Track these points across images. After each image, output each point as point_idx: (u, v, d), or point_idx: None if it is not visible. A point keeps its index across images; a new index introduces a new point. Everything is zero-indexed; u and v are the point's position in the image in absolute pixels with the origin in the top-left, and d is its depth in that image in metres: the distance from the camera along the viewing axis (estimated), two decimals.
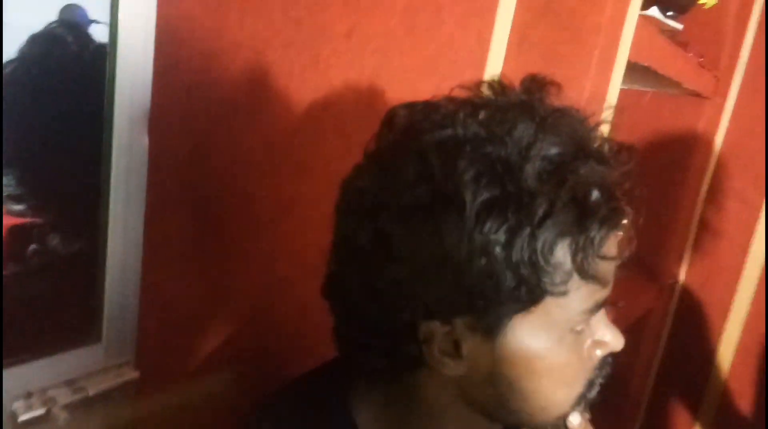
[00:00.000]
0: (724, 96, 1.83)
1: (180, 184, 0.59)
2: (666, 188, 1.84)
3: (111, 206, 0.51)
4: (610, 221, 0.42)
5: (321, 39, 0.69)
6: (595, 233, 0.41)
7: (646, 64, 1.17)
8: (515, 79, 1.06)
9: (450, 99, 0.49)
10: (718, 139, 1.93)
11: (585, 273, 0.42)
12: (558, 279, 0.42)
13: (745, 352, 1.96)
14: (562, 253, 0.42)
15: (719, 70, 1.76)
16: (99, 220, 0.51)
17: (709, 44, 1.69)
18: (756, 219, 1.92)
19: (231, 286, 0.70)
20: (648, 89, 1.74)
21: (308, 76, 0.70)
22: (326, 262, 0.50)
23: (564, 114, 0.46)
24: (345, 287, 0.47)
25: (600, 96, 1.05)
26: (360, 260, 0.45)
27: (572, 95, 1.04)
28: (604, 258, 0.43)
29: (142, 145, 0.52)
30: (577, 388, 0.47)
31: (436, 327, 0.44)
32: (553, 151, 0.42)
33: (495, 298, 0.41)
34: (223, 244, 0.68)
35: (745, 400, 1.99)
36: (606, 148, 0.45)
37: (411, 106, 0.50)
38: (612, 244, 0.45)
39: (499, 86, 0.49)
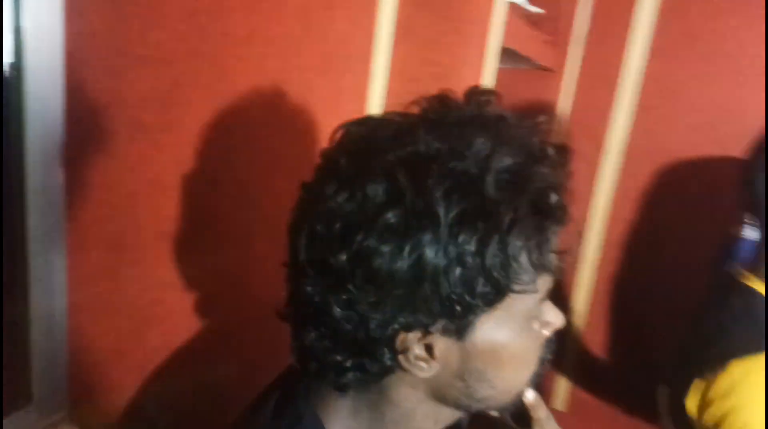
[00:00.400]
0: (561, 72, 2.04)
1: (97, 218, 0.54)
2: None
3: (31, 263, 0.46)
4: (561, 219, 0.47)
5: (224, 45, 0.67)
6: (551, 232, 0.46)
7: (512, 48, 1.27)
8: (405, 69, 1.09)
9: (400, 115, 0.50)
10: (566, 109, 2.15)
11: (543, 268, 0.47)
12: (523, 278, 0.46)
13: (598, 296, 2.25)
14: (526, 253, 0.46)
15: (562, 45, 1.95)
16: (18, 280, 0.46)
17: (558, 21, 1.87)
18: (594, 174, 2.18)
19: (156, 315, 0.66)
20: (505, 66, 1.88)
21: (215, 86, 0.67)
22: (286, 285, 0.50)
23: (511, 124, 0.49)
24: (319, 309, 0.47)
25: (477, 80, 1.12)
26: (338, 283, 0.46)
27: (455, 83, 1.10)
28: (556, 252, 0.48)
29: (57, 183, 0.47)
30: (532, 367, 0.52)
31: (414, 337, 0.47)
32: (509, 161, 0.45)
33: (470, 302, 0.45)
34: (143, 272, 0.64)
35: (599, 339, 2.29)
36: (549, 151, 0.50)
37: (363, 123, 0.50)
38: (558, 237, 0.50)
39: (447, 100, 0.51)
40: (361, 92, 1.02)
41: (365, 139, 0.50)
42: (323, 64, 0.89)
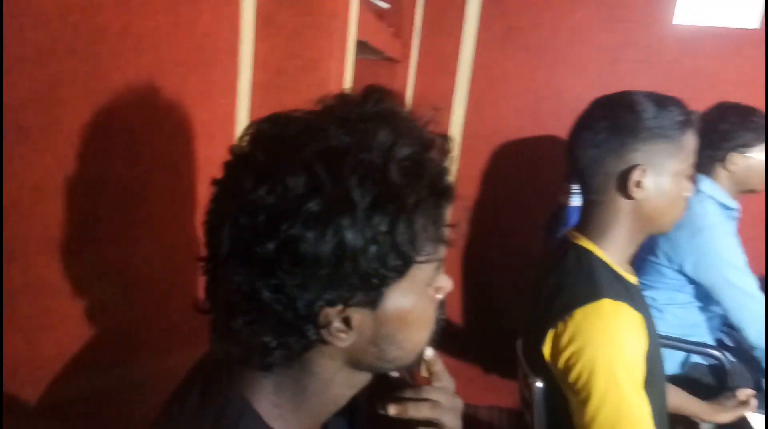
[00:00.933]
0: (407, 63, 2.17)
1: None
2: None
3: None
4: (451, 197, 0.54)
5: (99, 42, 0.64)
6: (445, 209, 0.53)
7: (365, 40, 1.33)
8: (271, 62, 1.11)
9: (309, 113, 0.53)
10: (409, 95, 2.29)
11: (440, 240, 0.54)
12: (426, 249, 0.52)
13: (452, 269, 2.44)
14: (427, 229, 0.52)
15: (405, 37, 2.07)
16: None
17: (401, 15, 1.98)
18: None
19: (49, 323, 0.62)
20: (358, 57, 1.96)
21: (92, 84, 0.64)
22: (205, 275, 0.51)
23: (404, 117, 0.55)
24: (247, 296, 0.49)
25: (340, 72, 1.17)
26: (266, 270, 0.48)
27: (321, 74, 1.15)
28: (449, 225, 0.55)
29: None
30: (431, 327, 0.59)
31: (334, 311, 0.51)
32: (408, 151, 0.51)
33: (384, 274, 0.50)
34: (34, 280, 0.60)
35: (455, 304, 2.49)
36: (437, 139, 0.56)
37: (273, 121, 0.53)
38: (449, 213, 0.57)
39: (347, 98, 0.55)
40: (230, 85, 1.02)
41: (279, 135, 0.52)
42: (193, 58, 0.88)
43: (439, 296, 0.61)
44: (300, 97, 1.06)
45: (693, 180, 1.66)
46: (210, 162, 0.94)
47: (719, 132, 1.65)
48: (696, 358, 1.73)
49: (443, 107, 2.32)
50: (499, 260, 2.38)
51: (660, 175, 1.03)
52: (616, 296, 0.99)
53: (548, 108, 2.25)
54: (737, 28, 2.07)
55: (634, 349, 0.97)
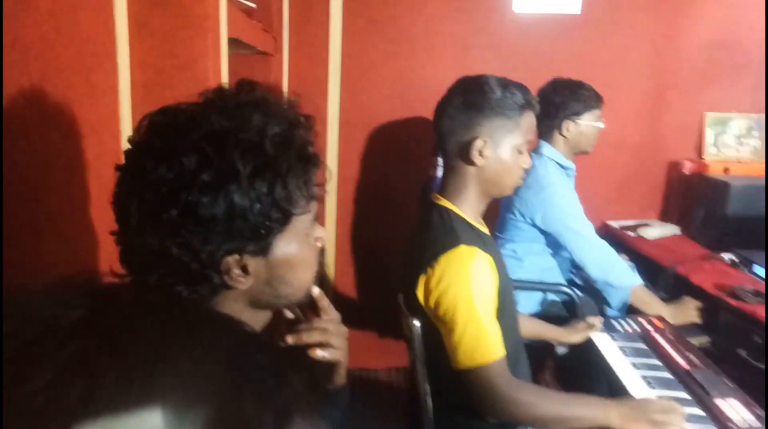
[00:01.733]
0: (281, 56, 2.29)
1: None
2: None
3: None
4: (317, 163, 0.69)
5: None
6: (313, 172, 0.68)
7: (237, 38, 1.44)
8: (148, 63, 1.20)
9: (192, 104, 0.65)
10: (284, 86, 2.40)
11: (311, 196, 0.69)
12: (300, 204, 0.67)
13: (341, 247, 2.61)
14: (299, 188, 0.66)
15: (276, 32, 2.18)
16: None
17: (270, 12, 2.08)
18: (325, 143, 2.50)
19: None
20: (233, 52, 2.04)
21: None
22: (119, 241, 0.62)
23: (273, 102, 0.68)
24: (159, 255, 0.61)
25: (217, 68, 1.27)
26: (173, 231, 0.60)
27: (199, 72, 1.24)
28: (318, 185, 0.70)
29: None
30: (315, 268, 0.74)
31: (233, 260, 0.64)
32: (277, 129, 0.65)
33: (269, 226, 0.64)
34: None
35: (349, 272, 2.66)
36: (301, 118, 0.70)
37: (164, 113, 0.64)
38: (317, 176, 0.72)
39: (224, 91, 0.68)
40: (112, 85, 1.09)
41: (170, 124, 0.64)
42: (76, 63, 0.94)
43: (319, 244, 0.76)
44: (180, 94, 1.15)
45: (534, 150, 1.95)
46: (98, 157, 1.02)
47: (554, 104, 1.95)
48: (553, 297, 2.03)
49: (319, 96, 2.46)
50: (384, 233, 2.56)
51: (499, 147, 1.25)
52: (470, 242, 1.20)
53: (414, 92, 2.47)
54: (564, 14, 2.41)
55: (487, 284, 1.18)
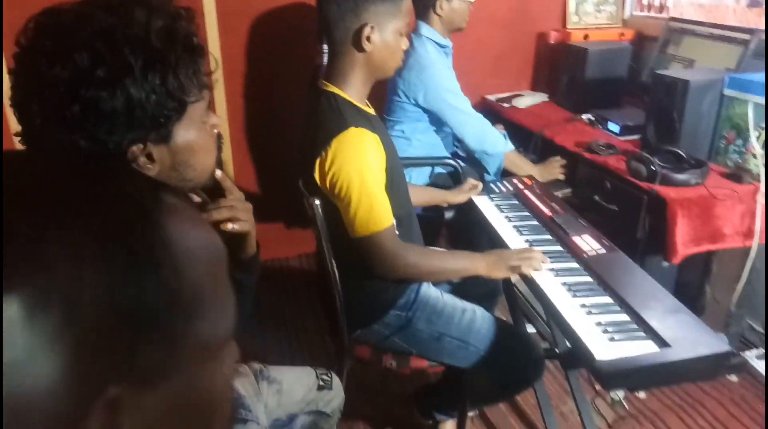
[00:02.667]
0: None
1: None
2: None
3: None
4: (203, 52, 0.74)
5: None
6: (200, 62, 0.73)
7: None
8: None
9: (75, 4, 0.67)
10: None
11: (202, 84, 0.75)
12: (193, 92, 0.73)
13: (236, 145, 2.61)
14: (189, 77, 0.72)
15: None
16: None
17: None
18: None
19: None
20: None
21: None
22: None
23: None
24: (69, 148, 0.66)
25: None
26: (78, 126, 0.65)
27: None
28: (207, 74, 0.76)
29: None
30: (215, 153, 0.82)
31: (138, 149, 0.71)
32: (161, 23, 0.69)
33: (167, 114, 0.70)
34: None
35: (248, 170, 2.69)
36: (182, 11, 0.74)
37: (48, 13, 0.66)
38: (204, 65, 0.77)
39: None
40: None
41: (57, 23, 0.65)
42: None
43: (215, 131, 0.83)
44: None
45: (413, 31, 2.02)
46: None
47: None
48: (440, 169, 2.23)
49: None
50: (277, 124, 2.59)
51: (384, 31, 1.32)
52: (359, 124, 1.30)
53: None
54: None
55: (376, 161, 1.31)
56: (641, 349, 1.11)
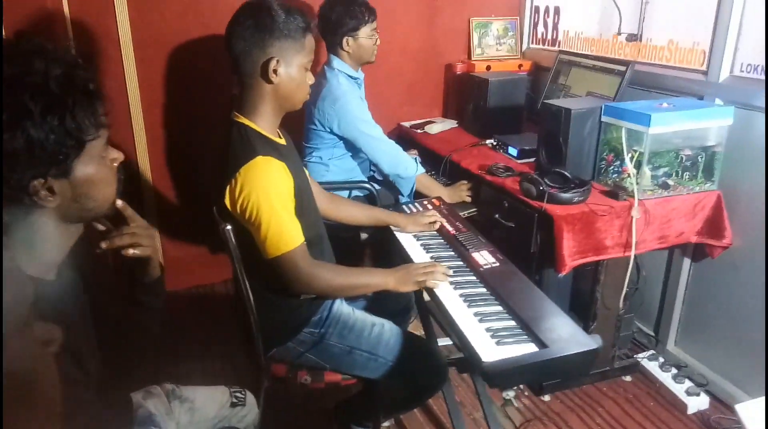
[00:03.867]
0: None
1: None
2: None
3: None
4: (101, 95, 0.82)
5: None
6: (98, 103, 0.81)
7: None
8: None
9: None
10: (65, 10, 2.27)
11: (98, 124, 0.82)
12: (90, 132, 0.80)
13: (154, 159, 2.62)
14: (86, 118, 0.79)
15: None
16: None
17: None
18: (121, 66, 2.44)
19: None
20: None
21: None
22: None
23: (52, 48, 0.78)
24: None
25: None
26: None
27: None
28: (104, 115, 0.83)
29: None
30: (114, 185, 0.89)
31: (39, 183, 0.77)
32: (59, 70, 0.76)
33: (66, 152, 0.78)
34: None
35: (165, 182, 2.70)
36: (79, 59, 0.81)
37: None
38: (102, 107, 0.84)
39: (7, 41, 0.76)
40: None
41: None
42: None
43: (115, 164, 0.90)
44: None
45: (326, 64, 2.13)
46: None
47: (331, 21, 2.15)
48: (357, 193, 2.34)
49: (107, 16, 2.36)
50: (196, 152, 2.62)
51: (289, 66, 1.42)
52: (266, 153, 1.39)
53: (205, 8, 2.48)
54: None
55: (283, 187, 1.40)
56: (523, 350, 1.25)
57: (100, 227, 0.94)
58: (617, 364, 2.21)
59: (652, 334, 2.40)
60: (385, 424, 1.97)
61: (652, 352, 2.30)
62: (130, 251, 0.92)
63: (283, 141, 1.54)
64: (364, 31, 2.19)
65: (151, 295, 1.00)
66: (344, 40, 2.18)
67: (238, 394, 1.34)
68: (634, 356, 2.27)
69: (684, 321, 2.26)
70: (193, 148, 2.65)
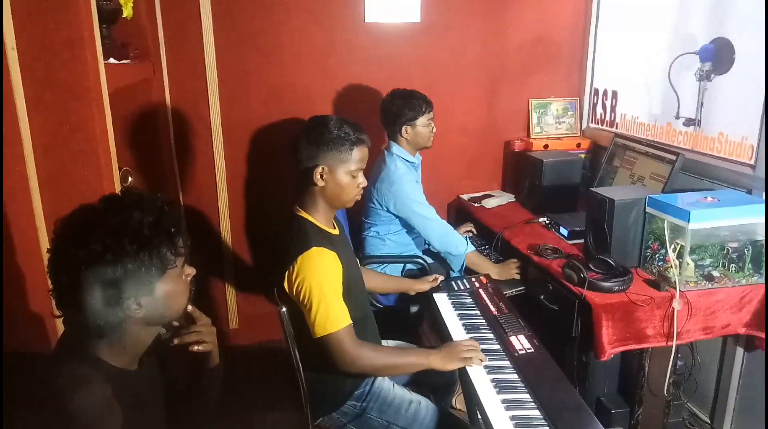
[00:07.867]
0: (161, 74, 2.54)
1: None
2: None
3: None
4: (180, 233, 1.05)
5: None
6: (178, 239, 1.04)
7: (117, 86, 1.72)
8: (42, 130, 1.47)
9: (90, 208, 0.99)
10: (167, 100, 2.65)
11: (179, 254, 1.05)
12: (171, 260, 1.03)
13: (236, 236, 2.92)
14: (169, 252, 1.01)
15: (154, 56, 2.42)
16: None
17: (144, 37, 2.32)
18: (211, 147, 2.79)
19: None
20: None
21: None
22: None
23: (148, 199, 1.03)
24: (81, 306, 0.96)
25: (104, 130, 1.55)
26: (92, 286, 0.95)
27: (88, 132, 1.52)
28: (183, 247, 1.06)
29: None
30: (187, 295, 1.11)
31: (130, 300, 1.00)
32: (151, 218, 0.99)
33: (151, 279, 1.00)
34: None
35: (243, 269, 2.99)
36: (166, 207, 1.05)
37: (73, 216, 0.97)
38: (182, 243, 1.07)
39: (112, 196, 1.02)
40: (18, 152, 1.37)
41: (77, 223, 0.96)
42: None
43: (189, 278, 1.13)
44: (73, 153, 1.45)
45: (386, 149, 2.35)
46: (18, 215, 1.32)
47: (392, 113, 2.38)
48: (411, 266, 2.51)
49: (202, 105, 2.72)
50: (269, 217, 2.89)
51: (335, 173, 1.64)
52: (320, 244, 1.60)
53: (286, 95, 2.79)
54: (407, 22, 2.81)
55: (333, 274, 1.59)
56: None
57: (175, 323, 1.16)
58: None
59: (707, 421, 2.34)
60: None
61: None
62: (195, 347, 1.14)
63: (336, 231, 1.75)
64: (421, 121, 2.41)
65: (210, 378, 1.21)
66: (403, 129, 2.41)
67: None
68: None
69: (739, 409, 2.21)
70: (267, 216, 2.93)
